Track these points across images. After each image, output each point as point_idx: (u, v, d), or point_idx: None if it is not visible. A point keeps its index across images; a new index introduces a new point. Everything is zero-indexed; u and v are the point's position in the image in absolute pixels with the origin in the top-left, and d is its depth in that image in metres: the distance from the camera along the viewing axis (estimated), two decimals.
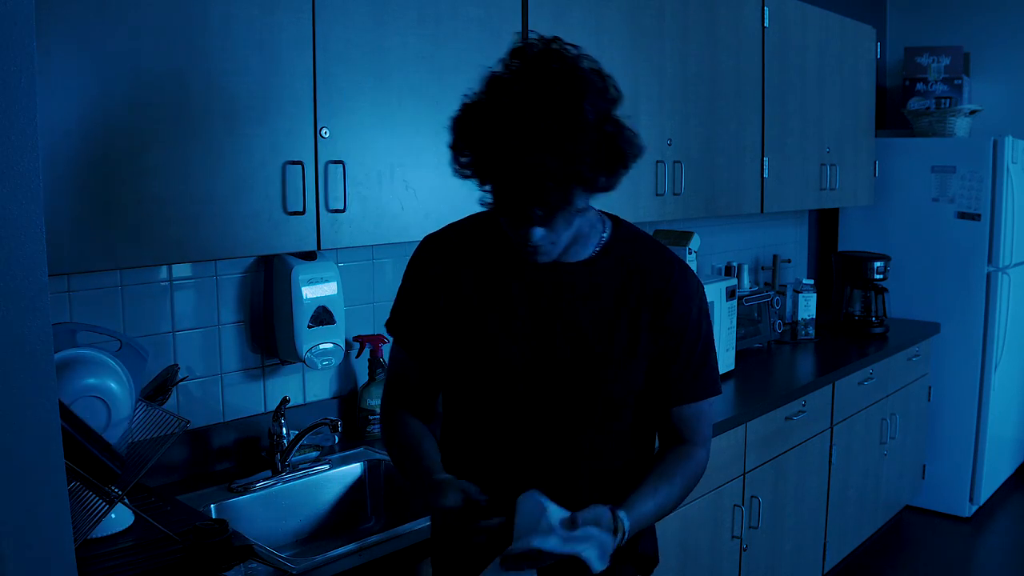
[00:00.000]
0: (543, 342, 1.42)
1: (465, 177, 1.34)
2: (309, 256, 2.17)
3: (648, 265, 1.45)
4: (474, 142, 1.29)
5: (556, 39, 1.31)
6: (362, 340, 2.38)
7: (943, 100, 4.40)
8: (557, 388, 1.42)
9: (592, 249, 1.44)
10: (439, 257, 1.50)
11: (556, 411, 1.43)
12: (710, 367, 1.48)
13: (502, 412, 1.45)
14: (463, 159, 1.32)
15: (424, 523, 1.82)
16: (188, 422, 1.71)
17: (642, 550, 1.57)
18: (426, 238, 1.56)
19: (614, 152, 1.29)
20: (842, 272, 4.06)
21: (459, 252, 1.49)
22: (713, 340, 1.50)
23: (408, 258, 1.58)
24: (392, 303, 1.59)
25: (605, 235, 1.47)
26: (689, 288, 1.46)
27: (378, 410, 2.22)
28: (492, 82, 1.30)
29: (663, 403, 1.48)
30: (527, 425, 1.44)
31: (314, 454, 2.23)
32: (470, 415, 1.51)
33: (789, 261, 4.10)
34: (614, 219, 1.52)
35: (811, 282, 3.80)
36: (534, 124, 1.22)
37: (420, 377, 1.56)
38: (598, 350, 1.41)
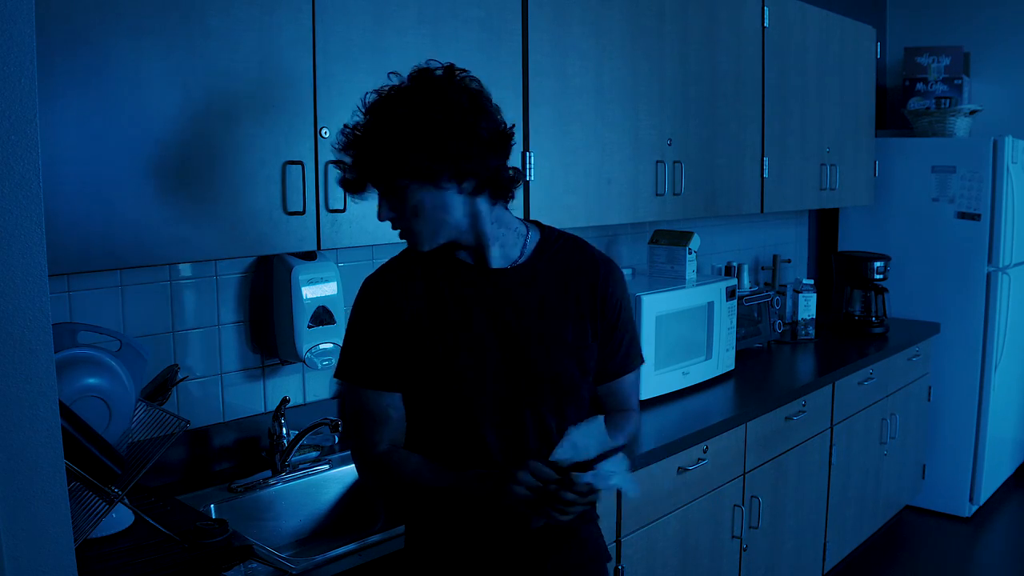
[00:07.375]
0: (503, 339, 1.52)
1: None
2: (309, 256, 2.17)
3: (579, 262, 1.60)
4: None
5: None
6: None
7: (943, 100, 4.40)
8: (521, 379, 1.53)
9: (519, 252, 1.56)
10: (385, 290, 1.54)
11: (523, 401, 1.53)
12: (637, 342, 1.70)
13: (476, 414, 1.52)
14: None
15: None
16: (188, 422, 1.71)
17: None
18: (366, 281, 1.58)
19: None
20: (842, 272, 4.06)
21: (404, 280, 1.54)
22: (633, 317, 1.72)
23: None
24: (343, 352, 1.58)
25: (532, 239, 1.59)
26: (615, 279, 1.63)
27: None
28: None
29: (608, 377, 1.66)
30: (500, 422, 1.53)
31: (314, 454, 2.24)
32: (441, 425, 1.54)
33: (789, 261, 4.10)
34: (540, 225, 1.64)
35: (811, 282, 3.80)
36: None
37: (400, 407, 1.56)
38: (551, 339, 1.54)
